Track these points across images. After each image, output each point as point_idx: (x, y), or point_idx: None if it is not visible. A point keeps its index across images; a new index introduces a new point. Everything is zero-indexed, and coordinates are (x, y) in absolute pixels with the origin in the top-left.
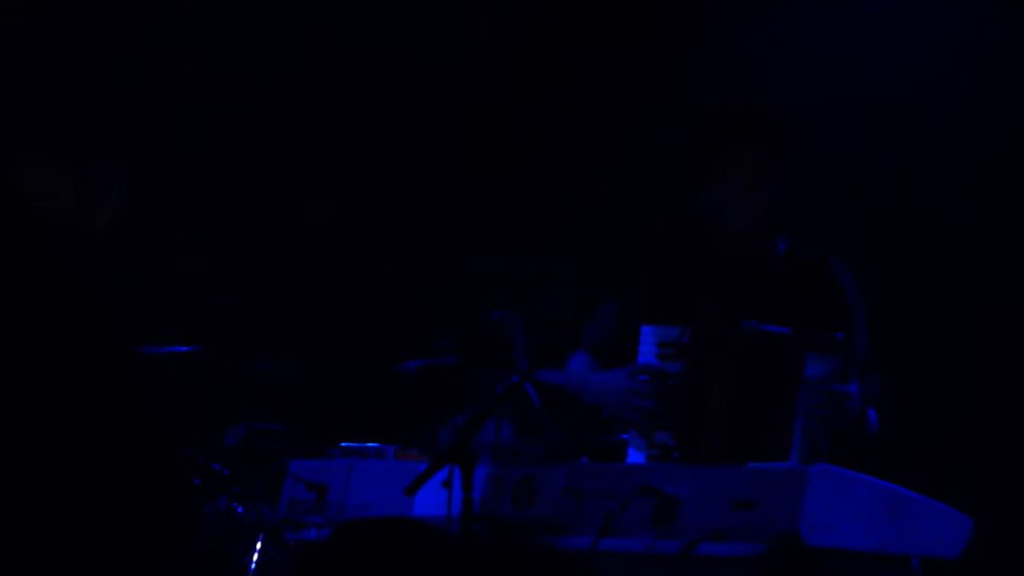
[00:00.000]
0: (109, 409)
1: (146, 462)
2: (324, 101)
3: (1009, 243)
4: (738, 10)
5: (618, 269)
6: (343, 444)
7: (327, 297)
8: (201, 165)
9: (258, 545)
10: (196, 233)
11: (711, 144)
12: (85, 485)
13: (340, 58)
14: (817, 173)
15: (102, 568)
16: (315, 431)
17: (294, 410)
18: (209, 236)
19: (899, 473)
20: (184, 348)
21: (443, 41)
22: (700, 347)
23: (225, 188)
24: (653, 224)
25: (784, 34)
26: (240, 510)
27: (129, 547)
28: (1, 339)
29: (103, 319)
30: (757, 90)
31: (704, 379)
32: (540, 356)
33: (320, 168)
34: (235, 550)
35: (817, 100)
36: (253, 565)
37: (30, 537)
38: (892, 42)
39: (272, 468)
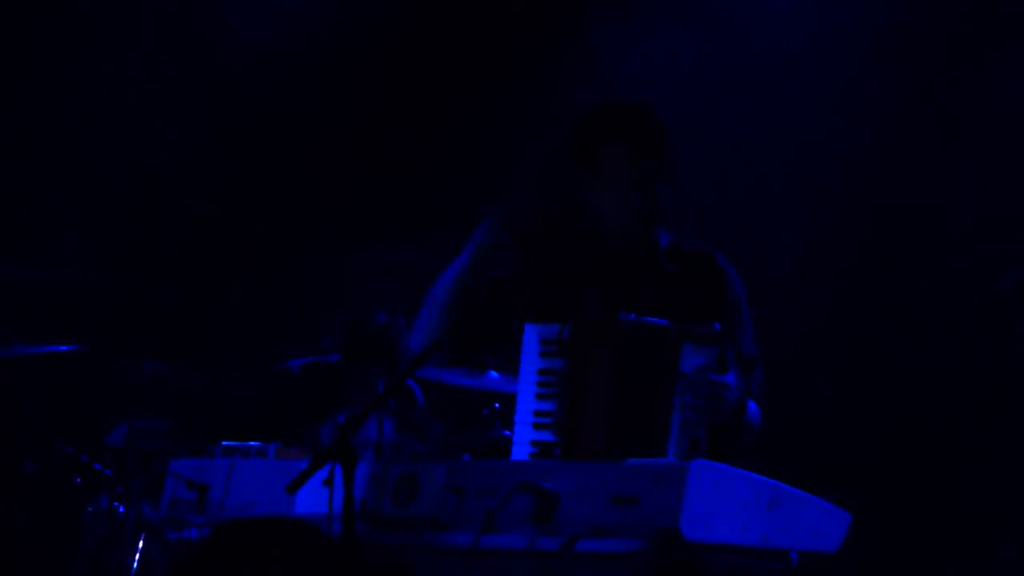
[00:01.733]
0: None
1: None
2: (200, 91)
3: (894, 240)
4: (607, 8)
5: (499, 261)
6: (224, 443)
7: (210, 295)
8: (84, 163)
9: (140, 544)
10: (78, 231)
11: (586, 141)
12: None
13: (209, 51)
14: (699, 167)
15: None
16: (198, 430)
17: (177, 409)
18: (90, 234)
19: (781, 469)
20: (66, 348)
21: (325, 32)
22: (580, 343)
23: (107, 186)
24: (532, 219)
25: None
26: (122, 509)
27: None
28: None
29: None
30: (628, 87)
31: (585, 375)
32: (423, 353)
33: (202, 165)
34: (117, 549)
35: (693, 95)
36: (135, 564)
37: None
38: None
39: (153, 467)
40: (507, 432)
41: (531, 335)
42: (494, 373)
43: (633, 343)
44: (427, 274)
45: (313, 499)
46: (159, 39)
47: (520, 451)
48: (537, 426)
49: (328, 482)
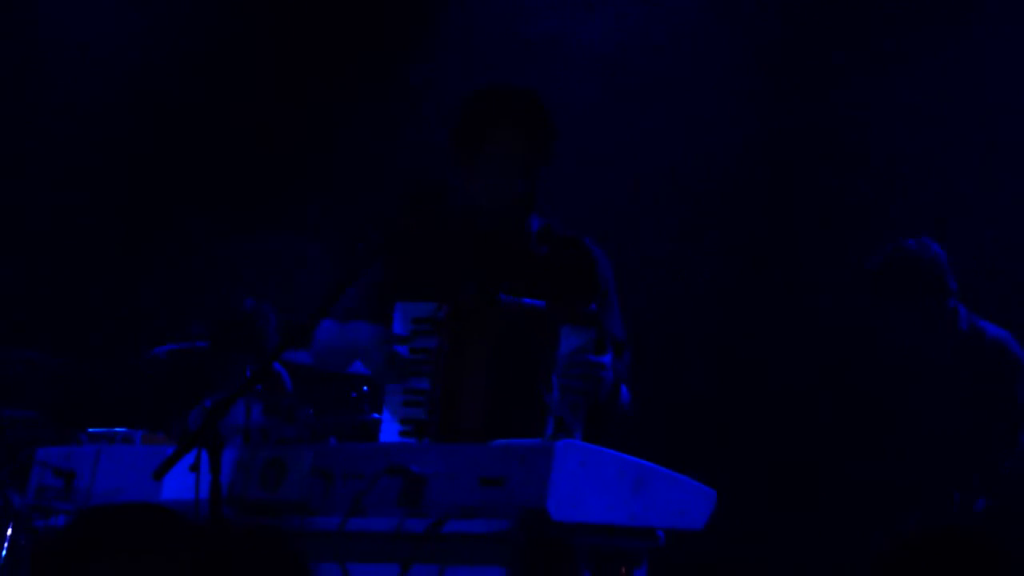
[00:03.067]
0: None
1: None
2: (68, 72)
3: (766, 227)
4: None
5: (371, 245)
6: (91, 430)
7: (77, 282)
8: None
9: (7, 533)
10: None
11: (471, 122)
12: None
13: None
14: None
15: None
16: (67, 418)
17: (45, 397)
18: None
19: (647, 448)
20: None
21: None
22: (456, 322)
23: None
24: (408, 201)
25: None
26: None
27: None
28: None
29: None
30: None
31: (461, 355)
32: (290, 337)
33: (68, 149)
34: None
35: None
36: (3, 553)
37: None
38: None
39: (20, 456)
40: (376, 415)
41: (403, 313)
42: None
43: (511, 324)
44: (294, 260)
45: (180, 485)
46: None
47: (389, 428)
48: (407, 403)
49: (195, 467)
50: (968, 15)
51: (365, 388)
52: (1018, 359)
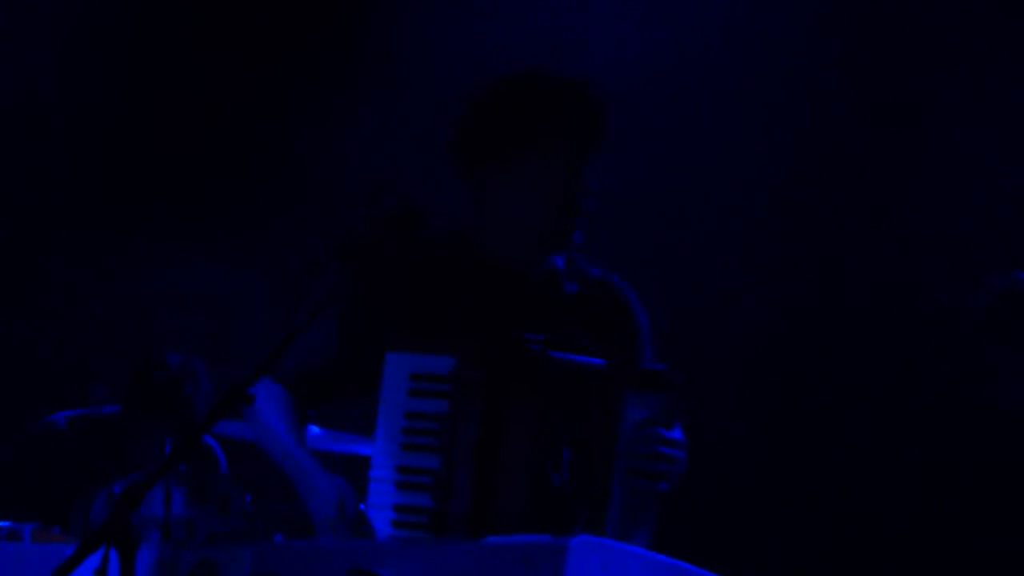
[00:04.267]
0: None
1: None
2: None
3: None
4: None
5: (338, 281)
6: None
7: None
8: None
9: None
10: None
11: (499, 123)
12: None
13: None
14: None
15: None
16: None
17: None
18: None
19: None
20: None
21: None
22: (489, 383)
23: None
24: (381, 223)
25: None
26: None
27: None
28: None
29: None
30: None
31: (494, 425)
32: (226, 404)
33: None
34: None
35: None
36: None
37: None
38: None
39: None
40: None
41: (397, 368)
42: (315, 428)
43: (564, 386)
44: (230, 301)
45: None
46: None
47: (379, 515)
48: (402, 485)
49: (101, 572)
50: None
51: None
52: None
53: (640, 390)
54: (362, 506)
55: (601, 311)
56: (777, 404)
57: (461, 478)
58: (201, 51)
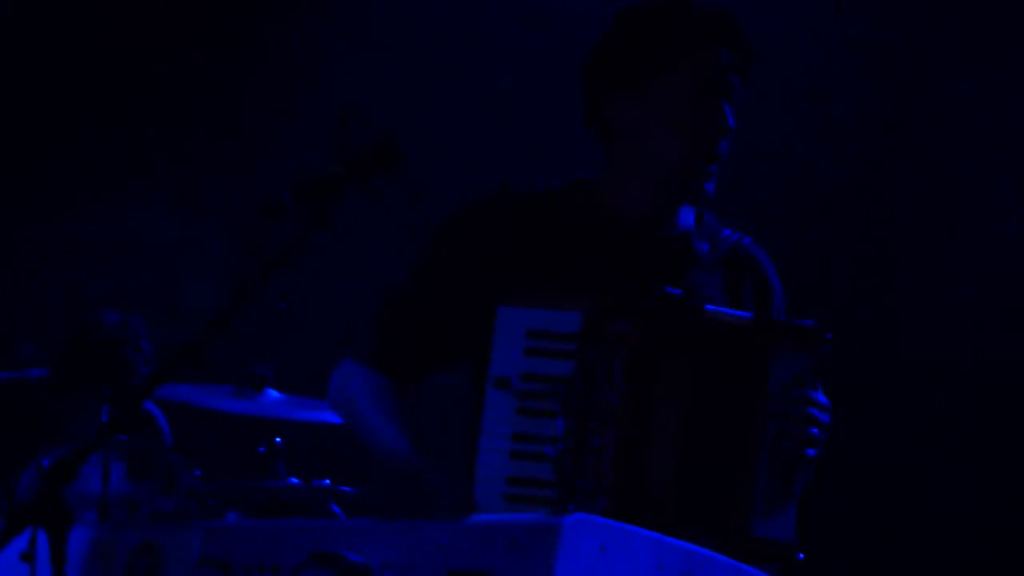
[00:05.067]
0: None
1: None
2: None
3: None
4: None
5: (303, 226)
6: None
7: None
8: None
9: None
10: None
11: (641, 44)
12: None
13: None
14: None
15: None
16: None
17: None
18: None
19: None
20: None
21: None
22: (634, 339)
23: None
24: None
25: None
26: None
27: None
28: None
29: None
30: None
31: (638, 388)
32: (170, 363)
33: None
34: None
35: None
36: None
37: None
38: None
39: None
40: (294, 479)
41: (511, 324)
42: (274, 392)
43: (719, 343)
44: (170, 250)
45: None
46: None
47: (488, 491)
48: (517, 455)
49: (28, 556)
50: None
51: (278, 440)
52: None
53: (791, 347)
54: (294, 479)
55: (736, 273)
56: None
57: (597, 447)
58: None
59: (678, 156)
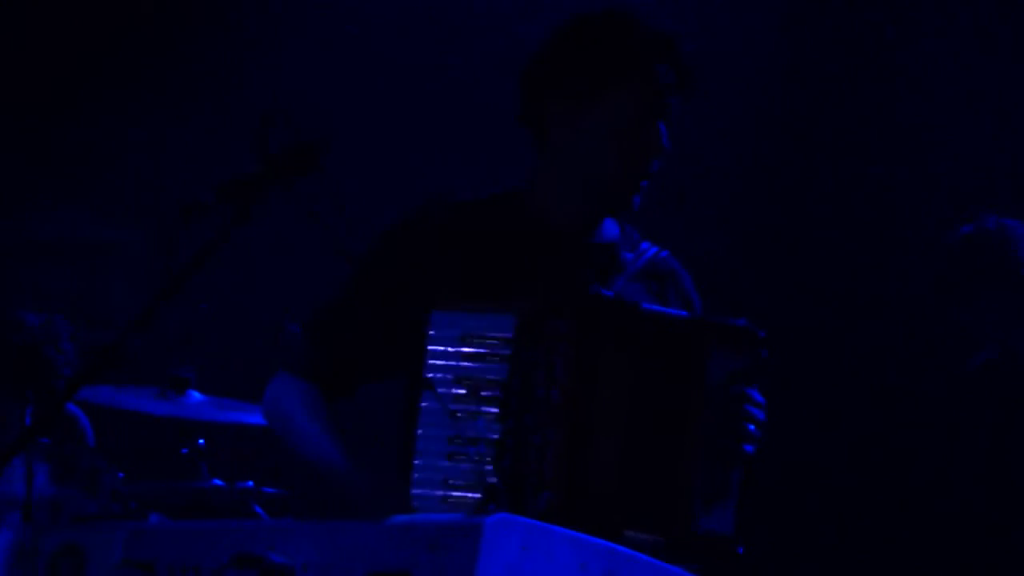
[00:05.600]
0: None
1: None
2: None
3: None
4: None
5: (225, 225)
6: None
7: None
8: None
9: None
10: None
11: (587, 57)
12: None
13: None
14: None
15: None
16: None
17: None
18: None
19: None
20: None
21: None
22: (571, 336)
23: None
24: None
25: None
26: None
27: None
28: None
29: None
30: None
31: (583, 386)
32: (94, 364)
33: None
34: None
35: None
36: None
37: None
38: None
39: None
40: (217, 481)
41: (446, 326)
42: (196, 394)
43: (655, 341)
44: (94, 250)
45: None
46: None
47: (426, 494)
48: (454, 457)
49: None
50: None
51: (201, 441)
52: None
53: (728, 346)
54: (217, 480)
55: (659, 284)
56: None
57: (538, 446)
58: None
59: (613, 173)
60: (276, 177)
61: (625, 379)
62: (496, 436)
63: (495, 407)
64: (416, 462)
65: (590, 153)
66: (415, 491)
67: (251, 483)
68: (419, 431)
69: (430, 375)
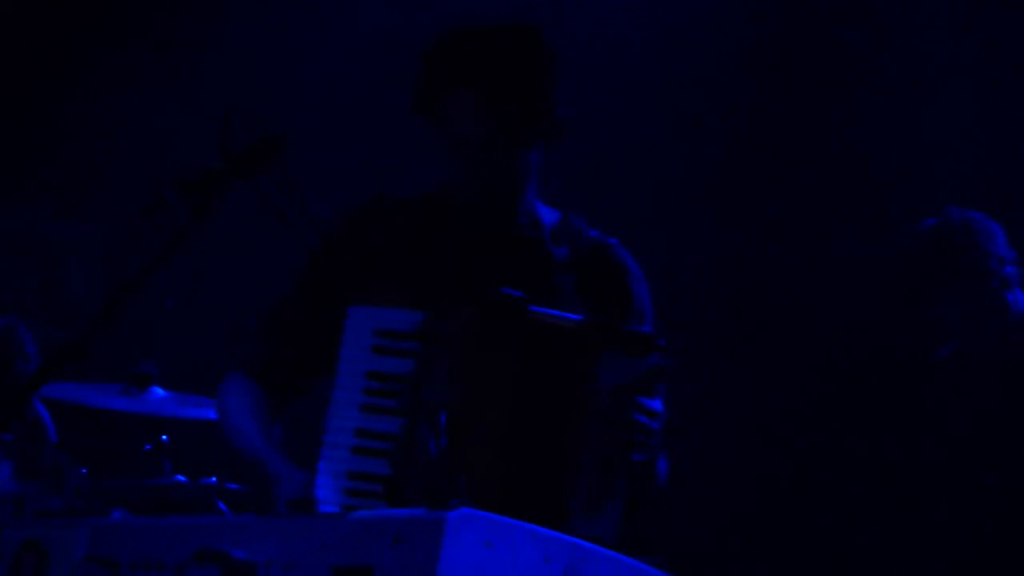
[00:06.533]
0: None
1: None
2: None
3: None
4: None
5: (185, 222)
6: None
7: None
8: None
9: None
10: None
11: (428, 82)
12: None
13: None
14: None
15: None
16: None
17: None
18: None
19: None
20: None
21: None
22: (462, 338)
23: None
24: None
25: None
26: None
27: None
28: None
29: None
30: None
31: (466, 385)
32: (56, 361)
33: None
34: None
35: None
36: None
37: None
38: None
39: None
40: (180, 477)
41: (359, 323)
42: (159, 390)
43: (543, 344)
44: (54, 247)
45: None
46: None
47: (328, 486)
48: (359, 450)
49: None
50: None
51: (164, 438)
52: None
53: (620, 351)
54: (180, 477)
55: (593, 277)
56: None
57: (424, 443)
58: None
59: (464, 182)
60: (238, 173)
61: (508, 381)
62: (397, 432)
63: (398, 401)
64: (323, 452)
65: (449, 153)
66: (320, 480)
67: (214, 479)
68: (329, 423)
69: (343, 368)
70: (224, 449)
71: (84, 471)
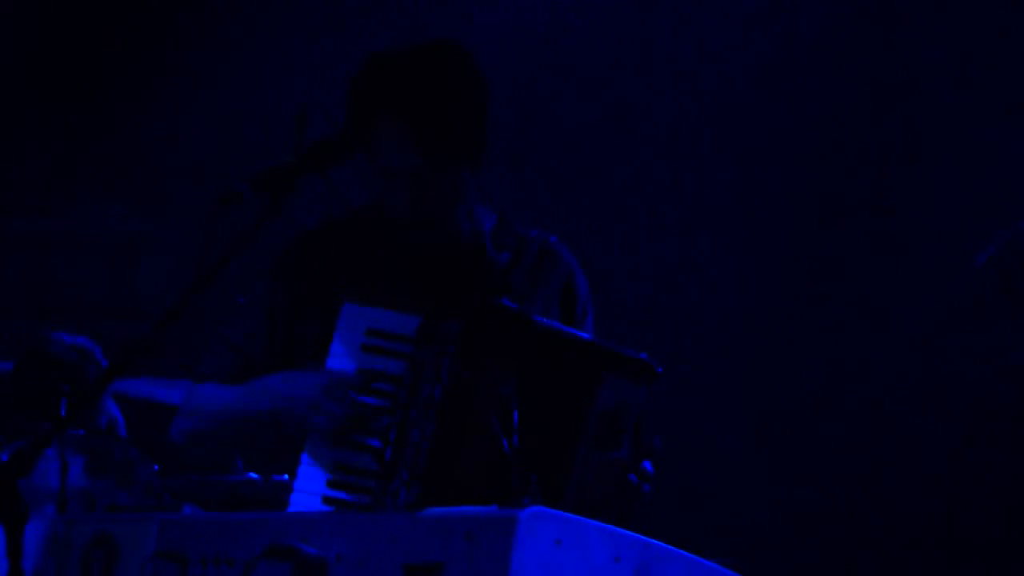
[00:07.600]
0: None
1: None
2: None
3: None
4: None
5: (258, 215)
6: None
7: None
8: None
9: None
10: None
11: (355, 110)
12: None
13: None
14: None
15: None
16: None
17: None
18: None
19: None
20: None
21: None
22: (460, 338)
23: None
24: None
25: None
26: None
27: None
28: None
29: None
30: None
31: (460, 391)
32: (126, 358)
33: None
34: None
35: None
36: None
37: None
38: None
39: None
40: (252, 475)
41: (355, 319)
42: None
43: (545, 353)
44: (127, 243)
45: None
46: None
47: (312, 474)
48: (344, 443)
49: None
50: None
51: None
52: None
53: (621, 375)
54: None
55: (537, 278)
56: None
57: (416, 440)
58: None
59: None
60: (311, 167)
61: (506, 385)
62: (383, 427)
63: (388, 401)
64: (307, 444)
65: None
66: (302, 469)
67: (286, 477)
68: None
69: (329, 362)
70: (221, 435)
71: (156, 467)
